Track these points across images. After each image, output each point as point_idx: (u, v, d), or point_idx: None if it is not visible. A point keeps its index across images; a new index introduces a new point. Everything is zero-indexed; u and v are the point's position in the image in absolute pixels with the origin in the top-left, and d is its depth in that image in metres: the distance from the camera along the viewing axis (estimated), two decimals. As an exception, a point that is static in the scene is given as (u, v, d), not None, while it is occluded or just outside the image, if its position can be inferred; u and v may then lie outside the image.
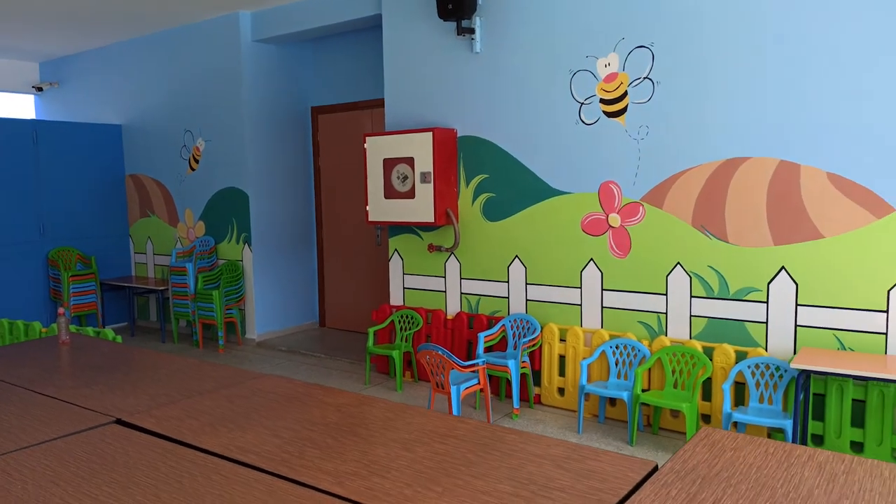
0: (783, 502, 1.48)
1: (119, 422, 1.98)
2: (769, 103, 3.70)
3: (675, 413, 4.07)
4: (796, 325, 3.70)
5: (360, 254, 6.76)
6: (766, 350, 3.80)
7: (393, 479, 1.58)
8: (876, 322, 3.48)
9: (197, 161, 6.88)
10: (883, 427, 3.45)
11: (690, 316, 4.03)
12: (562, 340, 4.51)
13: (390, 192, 5.10)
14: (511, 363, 4.32)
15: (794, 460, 1.71)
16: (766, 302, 3.78)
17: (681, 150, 3.99)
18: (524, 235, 4.66)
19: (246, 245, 6.54)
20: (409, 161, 4.96)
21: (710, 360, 3.87)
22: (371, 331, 5.13)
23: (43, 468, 1.65)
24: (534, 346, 4.56)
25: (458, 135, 4.94)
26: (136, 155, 7.49)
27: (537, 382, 4.63)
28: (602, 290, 4.36)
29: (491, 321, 4.83)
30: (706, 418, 3.98)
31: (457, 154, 4.95)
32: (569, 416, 4.39)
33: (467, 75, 4.84)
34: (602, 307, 4.36)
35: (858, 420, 3.55)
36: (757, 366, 3.70)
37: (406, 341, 5.15)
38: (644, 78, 4.08)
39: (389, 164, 5.09)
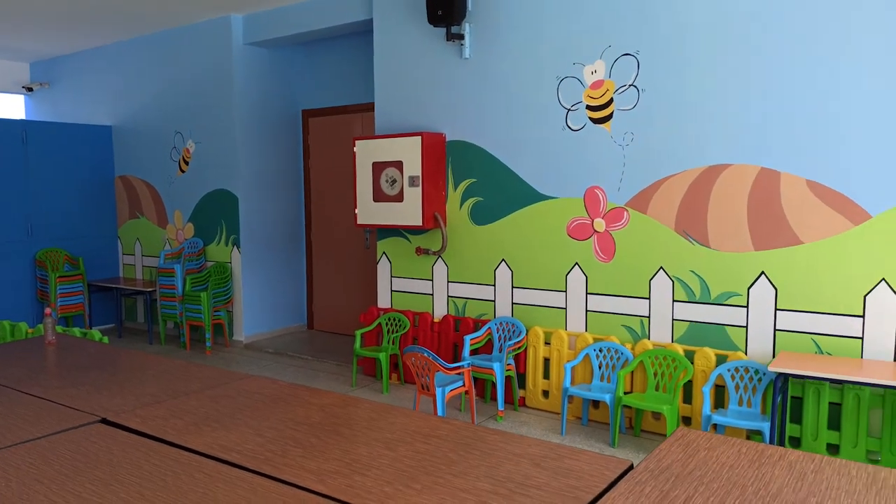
0: (753, 500, 1.53)
1: (104, 421, 2.00)
2: (751, 112, 3.77)
3: (657, 415, 4.13)
4: (775, 330, 3.77)
5: (348, 256, 6.78)
6: (746, 354, 3.86)
7: (374, 477, 1.62)
8: (852, 327, 3.56)
9: (187, 163, 6.89)
10: (858, 430, 3.52)
11: (672, 320, 4.10)
12: (547, 343, 4.56)
13: (379, 196, 5.14)
14: (496, 366, 4.36)
15: (765, 460, 1.76)
16: (747, 306, 3.85)
17: (664, 157, 4.05)
18: (511, 239, 4.71)
19: (235, 247, 6.56)
20: (398, 165, 5.00)
21: (692, 363, 3.94)
22: (358, 333, 5.16)
23: (27, 466, 1.68)
24: (519, 348, 4.60)
25: (447, 139, 4.98)
26: (126, 156, 7.49)
27: (522, 385, 4.68)
28: (587, 293, 4.41)
29: (477, 324, 4.88)
30: (687, 420, 4.03)
31: (445, 158, 4.99)
32: (553, 418, 4.44)
33: (456, 81, 4.89)
34: (586, 311, 4.42)
35: (835, 423, 3.62)
36: (737, 369, 3.76)
37: (393, 344, 5.18)
38: (629, 85, 4.15)
39: (378, 167, 5.12)
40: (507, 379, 4.66)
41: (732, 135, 3.83)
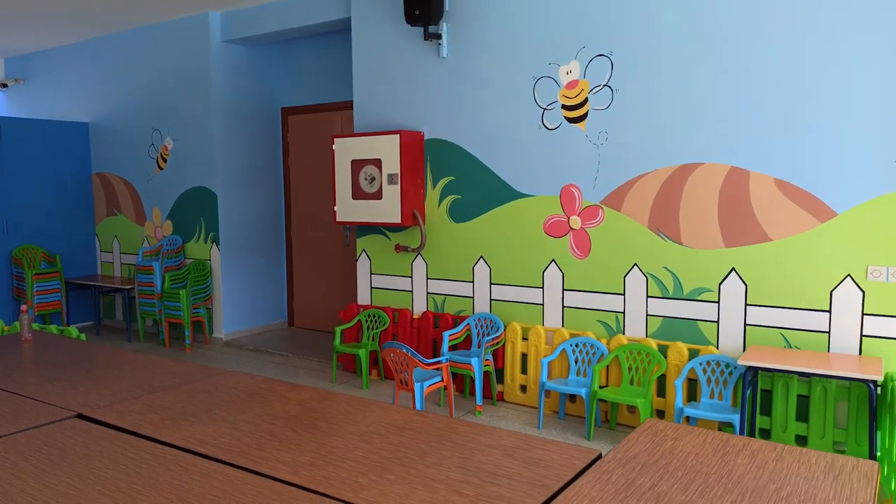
0: (715, 486, 1.59)
1: (81, 416, 2.02)
2: (721, 112, 3.86)
3: (632, 409, 4.21)
4: (745, 324, 3.86)
5: (329, 254, 6.79)
6: (718, 348, 3.95)
7: (348, 468, 1.66)
8: (819, 321, 3.66)
9: (165, 160, 6.85)
10: (825, 421, 3.62)
11: (647, 315, 4.17)
12: (524, 339, 4.62)
13: (358, 193, 5.16)
14: (475, 361, 4.41)
15: (729, 449, 1.82)
16: (718, 302, 3.93)
17: (638, 156, 4.12)
18: (489, 236, 4.76)
19: (214, 244, 6.53)
20: (377, 163, 5.03)
21: (665, 357, 4.02)
22: (338, 330, 5.18)
23: (2, 461, 1.69)
24: (497, 344, 4.66)
25: (426, 137, 5.02)
26: (103, 153, 7.42)
27: (500, 380, 4.74)
28: (563, 290, 4.47)
29: (456, 320, 4.92)
30: (661, 413, 4.11)
31: (424, 156, 5.03)
32: (530, 412, 4.50)
33: (434, 79, 4.92)
34: (563, 307, 4.48)
35: (803, 415, 3.72)
36: (708, 363, 3.84)
37: (373, 340, 5.21)
38: (604, 85, 4.21)
39: (357, 165, 5.15)
40: (486, 374, 4.72)
41: (703, 134, 3.91)
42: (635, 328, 4.22)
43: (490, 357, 4.63)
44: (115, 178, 7.33)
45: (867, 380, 3.19)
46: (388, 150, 4.94)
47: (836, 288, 3.61)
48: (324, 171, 6.69)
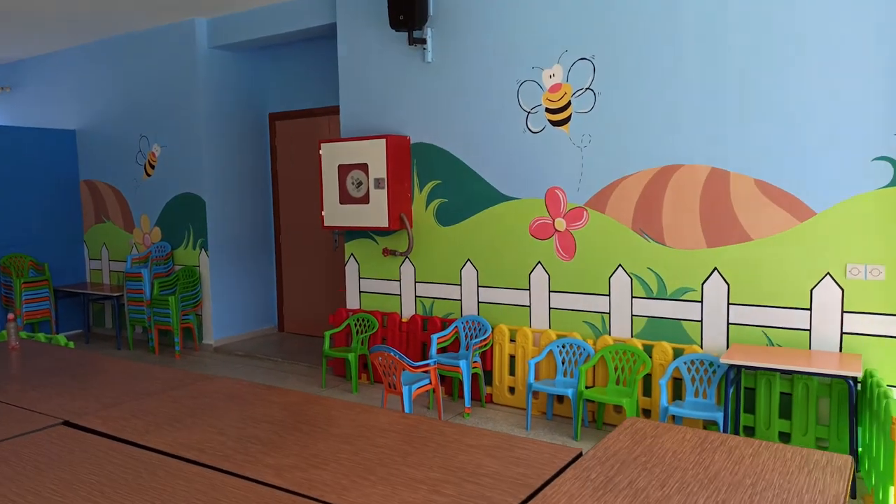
0: (691, 482, 1.62)
1: (67, 423, 2.03)
2: (701, 114, 3.91)
3: (619, 408, 4.25)
4: (728, 323, 3.91)
5: (318, 258, 6.81)
6: (701, 347, 4.00)
7: (332, 470, 1.68)
8: (800, 319, 3.71)
9: (153, 167, 6.85)
10: (808, 418, 3.68)
11: (632, 315, 4.22)
12: (512, 341, 4.65)
13: (345, 198, 5.18)
14: (463, 363, 4.44)
15: (707, 445, 1.86)
16: (701, 301, 3.98)
17: (620, 158, 4.17)
18: (475, 240, 4.80)
19: (203, 251, 6.54)
20: (364, 167, 5.05)
21: (650, 357, 4.06)
22: (327, 334, 5.20)
23: (-10, 468, 1.70)
24: (485, 346, 4.69)
25: (412, 142, 5.05)
26: (90, 160, 7.41)
27: (489, 382, 4.77)
28: (549, 291, 4.51)
29: (444, 323, 4.95)
30: (647, 413, 4.16)
31: (410, 160, 5.06)
32: (519, 413, 4.53)
33: (420, 84, 4.96)
34: (550, 308, 4.52)
35: (786, 412, 3.77)
36: (692, 362, 3.89)
37: (362, 344, 5.23)
38: (586, 89, 4.26)
39: (344, 170, 5.17)
40: (474, 376, 4.75)
41: (684, 136, 3.96)
42: (621, 328, 4.26)
43: (478, 359, 4.66)
44: (102, 186, 7.32)
45: (847, 376, 3.24)
46: (374, 155, 4.97)
47: (815, 286, 3.66)
48: (312, 177, 6.70)
